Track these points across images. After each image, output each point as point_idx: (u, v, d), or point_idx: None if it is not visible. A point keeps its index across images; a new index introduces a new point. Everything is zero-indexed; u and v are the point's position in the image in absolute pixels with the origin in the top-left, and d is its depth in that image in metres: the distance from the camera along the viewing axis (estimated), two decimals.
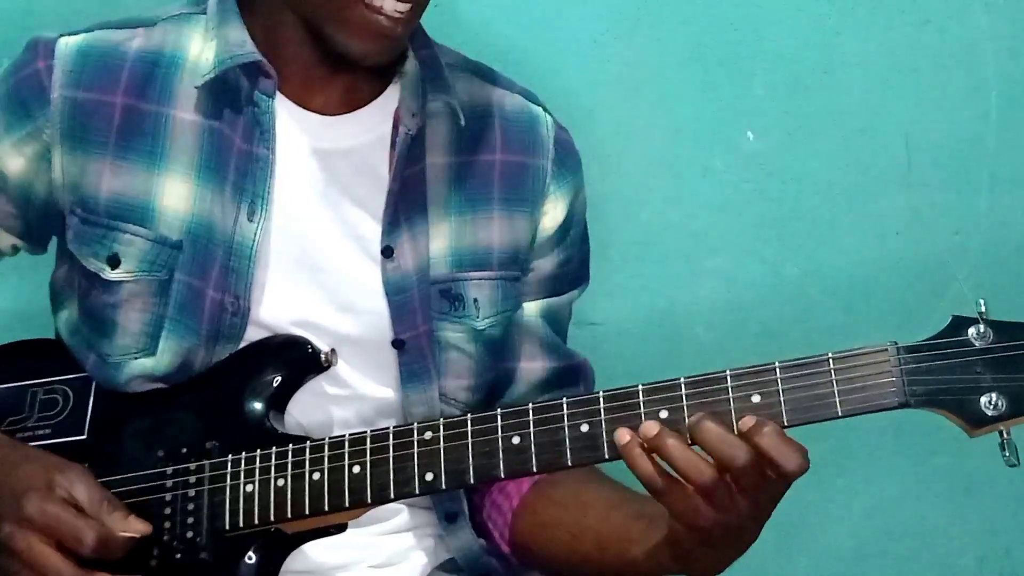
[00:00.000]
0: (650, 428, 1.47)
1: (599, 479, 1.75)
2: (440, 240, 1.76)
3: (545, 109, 1.86)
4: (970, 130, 2.36)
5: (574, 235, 1.86)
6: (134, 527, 1.59)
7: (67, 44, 1.74)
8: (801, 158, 2.35)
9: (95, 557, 1.55)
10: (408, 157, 1.74)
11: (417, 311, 1.75)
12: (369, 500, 1.60)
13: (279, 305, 1.72)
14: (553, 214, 1.83)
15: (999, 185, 2.38)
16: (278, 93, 1.72)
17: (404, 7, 1.62)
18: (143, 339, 1.71)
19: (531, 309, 1.84)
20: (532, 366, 1.84)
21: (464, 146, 1.79)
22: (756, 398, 1.48)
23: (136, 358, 1.72)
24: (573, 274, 1.88)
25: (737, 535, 1.50)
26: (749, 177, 2.35)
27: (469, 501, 1.84)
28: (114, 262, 1.71)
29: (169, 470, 1.67)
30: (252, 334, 1.72)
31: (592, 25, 2.29)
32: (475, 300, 1.78)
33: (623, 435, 1.47)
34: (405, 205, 1.74)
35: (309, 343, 1.71)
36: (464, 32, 2.21)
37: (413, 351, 1.75)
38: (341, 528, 1.64)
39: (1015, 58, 2.35)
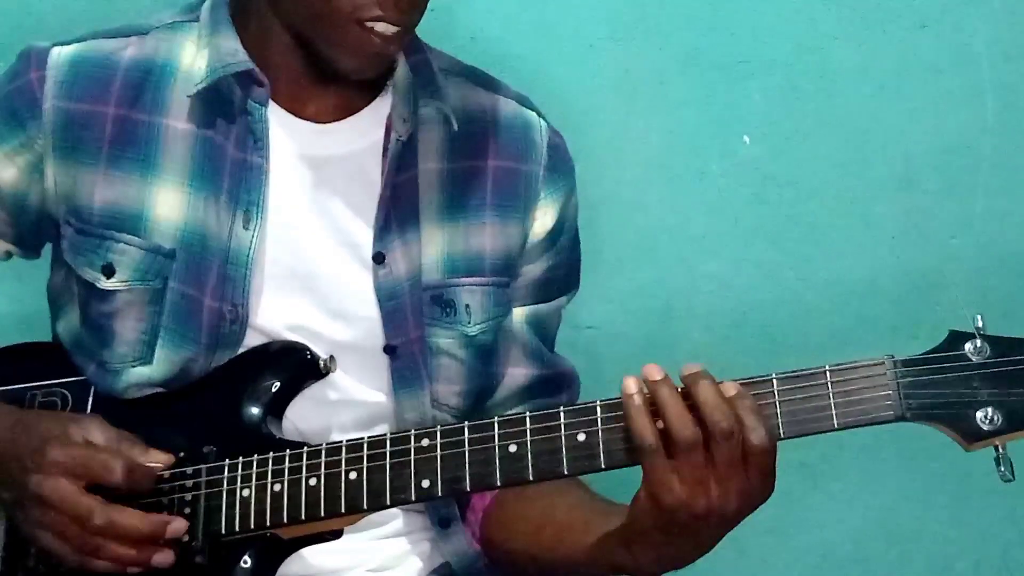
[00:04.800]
0: (654, 371, 1.49)
1: (569, 481, 1.74)
2: (432, 246, 1.76)
3: (539, 114, 1.85)
4: (966, 135, 2.37)
5: (564, 241, 1.86)
6: (156, 458, 1.62)
7: (60, 54, 1.74)
8: (797, 162, 2.35)
9: (123, 489, 1.58)
10: (400, 163, 1.74)
11: (409, 317, 1.75)
12: (365, 506, 1.60)
13: (274, 312, 1.72)
14: (543, 220, 1.82)
15: (995, 190, 2.38)
16: (271, 101, 1.72)
17: (396, 28, 1.62)
18: (140, 347, 1.72)
19: (517, 315, 1.84)
20: (515, 372, 1.84)
21: (457, 152, 1.79)
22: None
23: (134, 366, 1.72)
24: (562, 280, 1.88)
25: (696, 530, 1.48)
26: (745, 181, 2.36)
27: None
28: (108, 271, 1.71)
29: (166, 474, 1.66)
30: (250, 340, 1.72)
31: (589, 29, 2.29)
32: (467, 306, 1.78)
33: (631, 384, 1.48)
34: (397, 211, 1.74)
35: (308, 349, 1.72)
36: (460, 36, 2.22)
37: (405, 357, 1.75)
38: (337, 534, 1.65)
39: (1011, 63, 2.35)
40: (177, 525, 1.60)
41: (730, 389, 1.47)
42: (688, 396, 1.47)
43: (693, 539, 1.50)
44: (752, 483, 1.46)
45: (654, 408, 1.47)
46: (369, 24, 1.61)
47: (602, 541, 1.58)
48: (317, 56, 1.67)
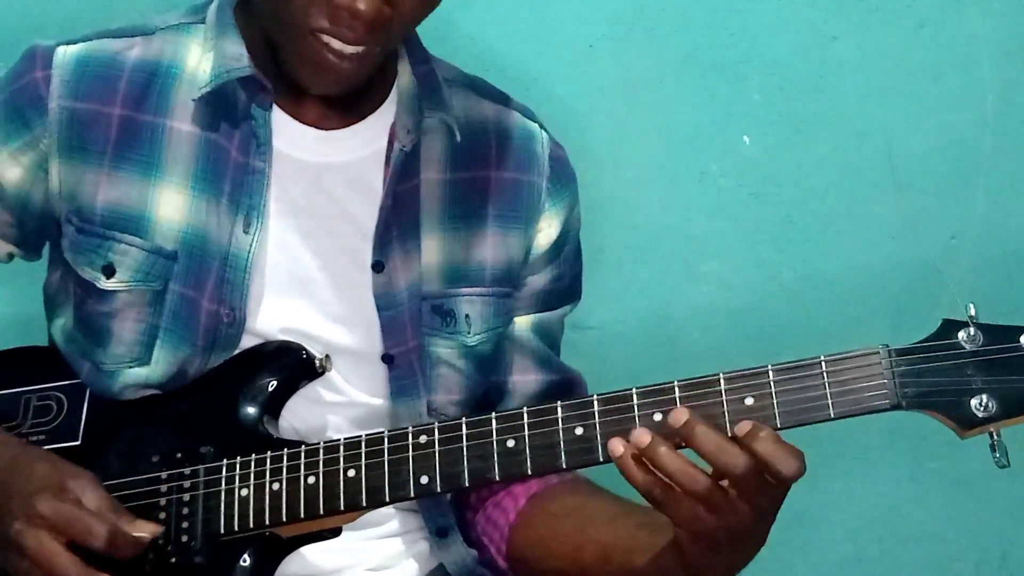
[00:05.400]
0: (642, 437, 1.45)
1: (597, 492, 1.75)
2: (432, 256, 1.76)
3: (541, 126, 1.86)
4: (965, 134, 2.36)
5: (568, 252, 1.86)
6: (143, 528, 1.60)
7: (65, 53, 1.74)
8: (797, 162, 2.35)
9: (104, 553, 1.56)
10: (402, 173, 1.74)
11: (407, 326, 1.75)
12: (364, 503, 1.61)
13: (273, 316, 1.72)
14: (547, 231, 1.82)
15: (994, 190, 2.38)
16: (275, 106, 1.72)
17: (353, 49, 1.60)
18: (137, 348, 1.72)
19: (523, 323, 1.84)
20: (525, 379, 1.84)
21: (459, 162, 1.78)
22: (749, 400, 1.49)
23: (131, 367, 1.72)
24: (566, 290, 1.88)
25: (743, 540, 1.49)
26: (745, 181, 2.35)
27: (463, 517, 1.84)
28: (109, 271, 1.71)
29: (164, 475, 1.67)
30: (247, 344, 1.72)
31: (588, 30, 2.29)
32: (466, 316, 1.78)
33: (616, 447, 1.46)
34: (397, 221, 1.74)
35: (304, 349, 1.72)
36: (459, 36, 2.22)
37: (403, 366, 1.75)
38: (336, 532, 1.65)
39: (1010, 63, 2.35)
40: None
41: (743, 427, 1.44)
42: (688, 447, 1.45)
43: (743, 547, 1.51)
44: (781, 492, 1.47)
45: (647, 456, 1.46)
46: (322, 36, 1.59)
47: (656, 562, 1.57)
48: (282, 65, 1.67)
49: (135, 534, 1.58)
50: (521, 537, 1.79)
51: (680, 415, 1.46)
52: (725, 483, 1.44)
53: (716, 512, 1.44)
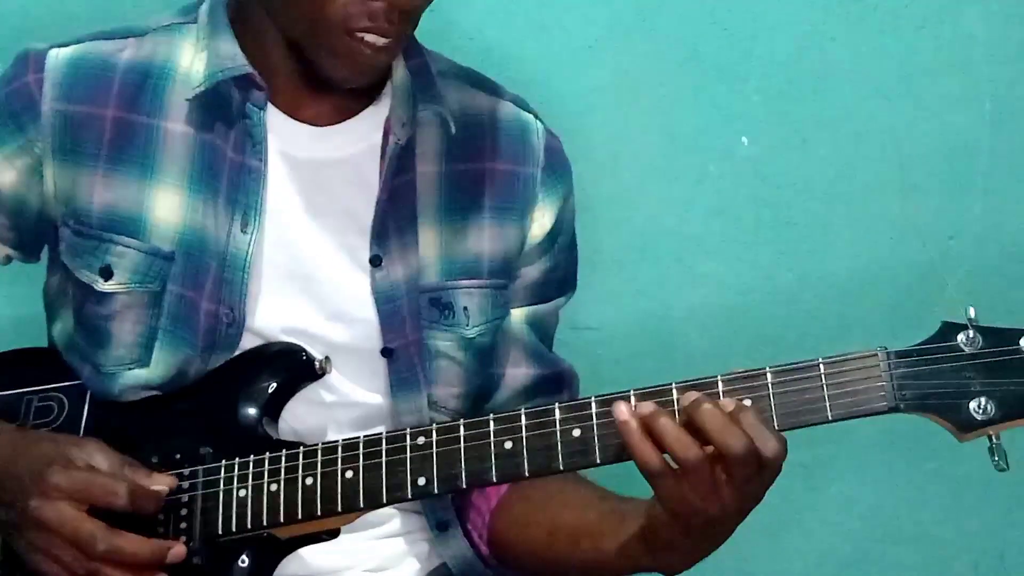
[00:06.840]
0: (645, 406, 1.47)
1: (576, 479, 1.74)
2: (430, 249, 1.76)
3: (536, 116, 1.85)
4: (964, 135, 2.37)
5: (562, 242, 1.86)
6: (160, 481, 1.62)
7: (57, 56, 1.74)
8: (796, 163, 2.35)
9: (126, 511, 1.57)
10: (398, 167, 1.74)
11: (406, 320, 1.75)
12: (362, 505, 1.61)
13: (272, 315, 1.72)
14: (541, 222, 1.82)
15: (993, 190, 2.38)
16: (269, 104, 1.72)
17: (385, 40, 1.62)
18: (137, 350, 1.72)
19: (516, 316, 1.84)
20: (516, 372, 1.84)
21: (455, 155, 1.78)
22: (747, 402, 1.49)
23: (130, 369, 1.72)
24: (559, 281, 1.88)
25: (716, 528, 1.50)
26: (744, 182, 2.36)
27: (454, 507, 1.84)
28: (106, 274, 1.71)
29: None
30: (247, 343, 1.72)
31: (587, 30, 2.29)
32: (465, 308, 1.78)
33: (622, 412, 1.48)
34: (394, 215, 1.74)
35: (304, 351, 1.72)
36: (459, 36, 2.22)
37: (402, 360, 1.75)
38: (334, 533, 1.65)
39: (1009, 63, 2.35)
40: (178, 550, 1.60)
41: (728, 405, 1.47)
42: (692, 424, 1.46)
43: (712, 536, 1.52)
44: (765, 482, 1.48)
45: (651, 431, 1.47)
46: (359, 34, 1.61)
47: (623, 547, 1.59)
48: (310, 66, 1.68)
49: (153, 487, 1.60)
50: (500, 523, 1.79)
51: (691, 394, 1.48)
52: (719, 467, 1.46)
53: (702, 494, 1.45)
